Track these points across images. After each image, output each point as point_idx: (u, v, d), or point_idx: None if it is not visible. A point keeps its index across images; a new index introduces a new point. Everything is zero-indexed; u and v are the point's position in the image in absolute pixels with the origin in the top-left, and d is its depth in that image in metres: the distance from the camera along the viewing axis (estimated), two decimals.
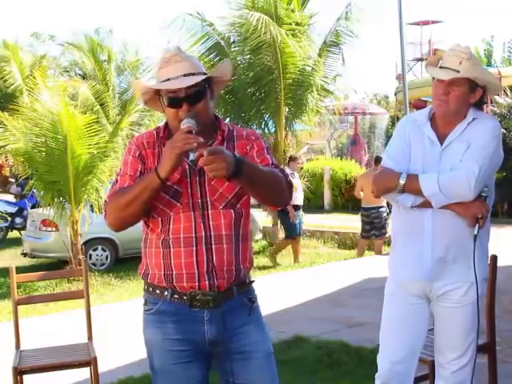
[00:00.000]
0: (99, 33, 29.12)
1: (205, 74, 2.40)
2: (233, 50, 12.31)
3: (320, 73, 12.08)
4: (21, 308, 4.38)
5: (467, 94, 2.91)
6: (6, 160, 18.96)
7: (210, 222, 2.38)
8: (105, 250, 11.33)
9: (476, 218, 2.85)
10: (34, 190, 10.59)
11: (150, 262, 2.44)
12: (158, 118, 15.16)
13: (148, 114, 13.04)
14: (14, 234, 14.89)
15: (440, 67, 2.95)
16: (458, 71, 2.86)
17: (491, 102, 14.85)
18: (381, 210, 10.41)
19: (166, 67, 2.37)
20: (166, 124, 2.48)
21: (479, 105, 3.02)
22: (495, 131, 2.96)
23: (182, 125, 2.29)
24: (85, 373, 4.18)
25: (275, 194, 2.42)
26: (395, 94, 19.95)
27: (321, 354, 5.16)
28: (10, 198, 17.01)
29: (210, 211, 2.39)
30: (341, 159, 19.88)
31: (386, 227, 10.45)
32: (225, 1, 12.17)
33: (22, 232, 13.93)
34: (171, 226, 2.38)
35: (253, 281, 2.55)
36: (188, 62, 2.38)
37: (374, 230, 10.55)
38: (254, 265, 2.70)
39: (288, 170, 10.72)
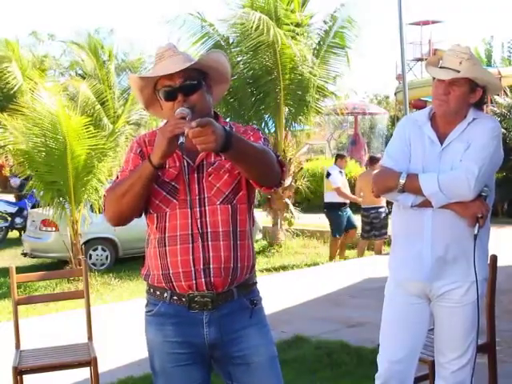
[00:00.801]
0: (99, 32, 29.15)
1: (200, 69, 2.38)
2: (233, 50, 12.30)
3: (320, 73, 12.07)
4: (21, 308, 4.39)
5: (467, 93, 2.92)
6: (6, 160, 18.94)
7: (207, 219, 2.36)
8: (105, 250, 11.32)
9: (476, 217, 2.85)
10: (34, 190, 10.58)
11: (151, 264, 2.44)
12: (158, 118, 15.14)
13: (148, 114, 13.02)
14: (13, 233, 14.90)
15: (440, 67, 2.95)
16: (459, 71, 2.87)
17: (491, 102, 14.86)
18: (380, 210, 10.42)
19: (160, 62, 2.37)
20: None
21: (479, 105, 3.03)
22: (495, 131, 2.97)
23: (176, 113, 2.27)
24: (85, 373, 4.19)
25: (266, 171, 2.34)
26: (395, 94, 19.93)
27: (321, 353, 5.16)
28: (10, 197, 17.00)
29: (207, 207, 2.37)
30: None
31: (385, 227, 10.46)
32: (224, 1, 12.17)
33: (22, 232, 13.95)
34: (167, 224, 2.37)
35: (255, 282, 2.51)
36: (181, 55, 2.38)
37: (373, 231, 10.55)
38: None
39: (336, 169, 10.78)
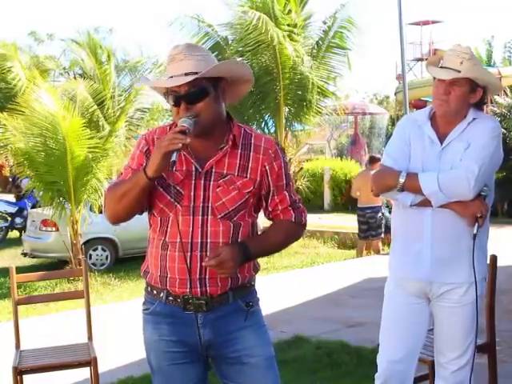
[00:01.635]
0: (99, 31, 29.09)
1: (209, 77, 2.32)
2: (232, 49, 12.31)
3: (320, 73, 12.07)
4: (21, 308, 4.38)
5: (468, 93, 2.92)
6: (6, 160, 18.92)
7: (208, 228, 2.34)
8: (105, 250, 11.32)
9: (475, 217, 2.85)
10: (34, 190, 10.59)
11: (151, 262, 2.44)
12: (158, 118, 15.12)
13: (148, 114, 13.00)
14: (14, 233, 14.90)
15: (441, 67, 2.95)
16: (459, 71, 2.86)
17: (491, 102, 14.85)
18: (376, 209, 10.42)
19: (170, 65, 2.35)
20: None
21: (479, 105, 3.02)
22: (495, 131, 2.96)
23: (178, 123, 2.26)
24: (85, 373, 4.18)
25: (286, 246, 2.61)
26: (395, 94, 19.92)
27: (321, 353, 5.16)
28: (10, 197, 16.99)
29: (209, 217, 2.34)
30: (341, 159, 19.86)
31: (382, 227, 10.47)
32: (224, 2, 12.19)
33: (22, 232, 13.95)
34: (169, 229, 2.36)
35: (253, 284, 2.49)
36: (192, 60, 2.30)
37: (370, 230, 10.56)
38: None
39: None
